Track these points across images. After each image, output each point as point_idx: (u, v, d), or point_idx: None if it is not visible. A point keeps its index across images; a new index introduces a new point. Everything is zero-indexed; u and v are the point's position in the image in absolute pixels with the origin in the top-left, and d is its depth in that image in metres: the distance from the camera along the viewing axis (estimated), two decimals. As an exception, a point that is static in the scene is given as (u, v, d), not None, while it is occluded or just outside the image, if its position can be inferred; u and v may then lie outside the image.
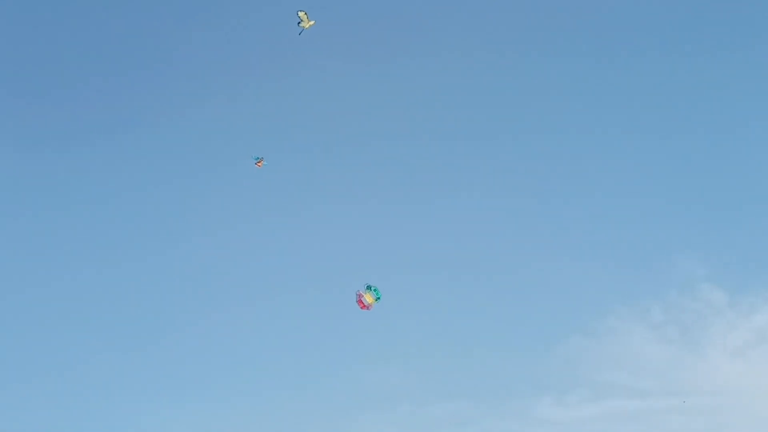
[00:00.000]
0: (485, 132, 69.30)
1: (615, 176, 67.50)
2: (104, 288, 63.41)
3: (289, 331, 61.59)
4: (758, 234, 63.53)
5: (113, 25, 72.55)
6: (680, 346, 60.33)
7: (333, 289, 60.82)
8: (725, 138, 67.82)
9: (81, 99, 71.09)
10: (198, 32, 72.20)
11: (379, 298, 41.13)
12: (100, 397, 58.23)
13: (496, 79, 70.67)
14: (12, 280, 63.21)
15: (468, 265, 63.88)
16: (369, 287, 41.37)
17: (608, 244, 64.84)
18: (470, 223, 65.54)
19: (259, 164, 45.90)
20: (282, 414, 57.69)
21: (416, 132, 69.04)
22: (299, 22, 44.34)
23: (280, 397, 58.89)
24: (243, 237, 65.42)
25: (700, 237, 64.09)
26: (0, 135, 68.42)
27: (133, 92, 71.15)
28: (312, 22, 44.40)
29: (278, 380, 59.82)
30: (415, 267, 63.10)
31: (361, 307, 40.95)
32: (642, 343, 60.69)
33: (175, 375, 59.95)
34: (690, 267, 62.43)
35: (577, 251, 64.63)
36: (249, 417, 57.19)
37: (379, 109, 69.73)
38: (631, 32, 71.45)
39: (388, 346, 59.99)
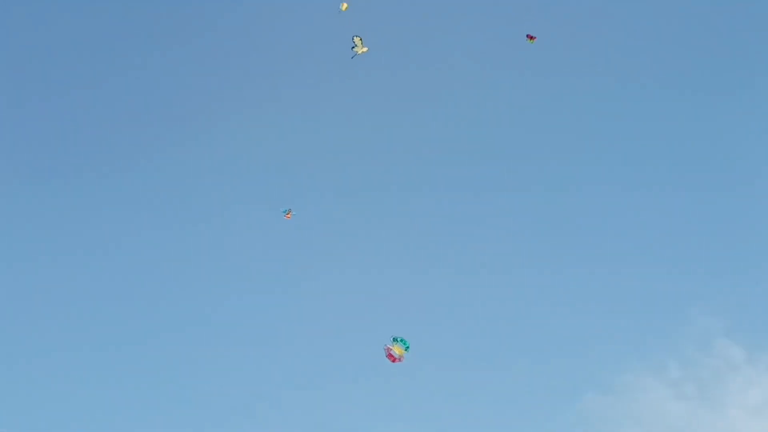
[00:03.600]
0: (498, 180, 69.51)
1: (630, 230, 67.62)
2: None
3: (305, 382, 60.79)
4: (775, 289, 63.14)
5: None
6: (698, 402, 59.86)
7: (340, 342, 61.11)
8: (741, 191, 67.95)
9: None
10: (211, 76, 72.45)
11: (408, 348, 40.37)
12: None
13: (505, 130, 71.19)
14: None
15: (482, 319, 63.61)
16: (395, 339, 40.62)
17: (623, 299, 64.41)
18: (485, 276, 65.24)
19: (288, 216, 45.81)
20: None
21: (430, 181, 69.37)
22: (353, 47, 44.94)
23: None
24: (259, 287, 65.02)
25: (716, 291, 63.76)
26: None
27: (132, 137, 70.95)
28: (365, 49, 44.97)
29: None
30: (427, 321, 62.50)
31: (392, 361, 40.14)
32: (659, 400, 60.25)
33: (188, 409, 59.22)
34: (706, 322, 62.25)
35: (592, 306, 64.14)
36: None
37: (396, 158, 69.97)
38: (645, 85, 72.02)
39: (400, 401, 59.51)
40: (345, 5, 46.26)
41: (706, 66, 72.18)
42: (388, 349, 40.53)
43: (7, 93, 72.27)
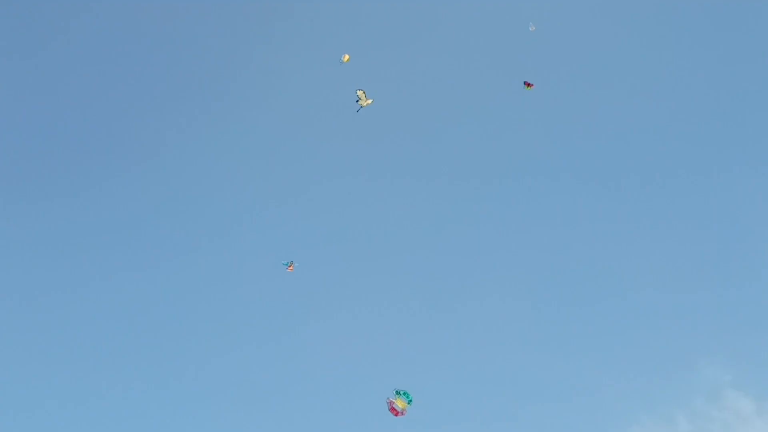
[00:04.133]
0: (503, 234, 69.31)
1: (636, 282, 67.21)
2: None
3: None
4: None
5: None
6: (708, 456, 58.97)
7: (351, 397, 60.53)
8: (748, 243, 67.83)
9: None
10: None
11: (410, 401, 39.88)
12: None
13: (508, 181, 71.40)
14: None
15: (487, 372, 63.01)
16: (398, 392, 40.13)
17: (630, 352, 63.89)
18: (491, 327, 64.91)
19: (290, 268, 45.62)
20: None
21: (436, 232, 69.35)
22: (357, 100, 45.26)
23: None
24: (261, 339, 64.74)
25: (723, 343, 63.30)
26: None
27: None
28: (370, 101, 45.28)
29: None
30: (431, 374, 61.89)
31: (395, 414, 39.61)
32: (668, 454, 59.24)
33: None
34: (715, 374, 61.83)
35: (600, 360, 63.77)
36: None
37: (401, 209, 69.85)
38: (649, 137, 72.28)
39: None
40: (347, 57, 46.38)
41: (712, 119, 72.65)
42: (391, 403, 40.05)
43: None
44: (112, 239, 69.08)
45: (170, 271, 67.85)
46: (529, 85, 52.17)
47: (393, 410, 39.77)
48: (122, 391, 61.93)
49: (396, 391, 40.18)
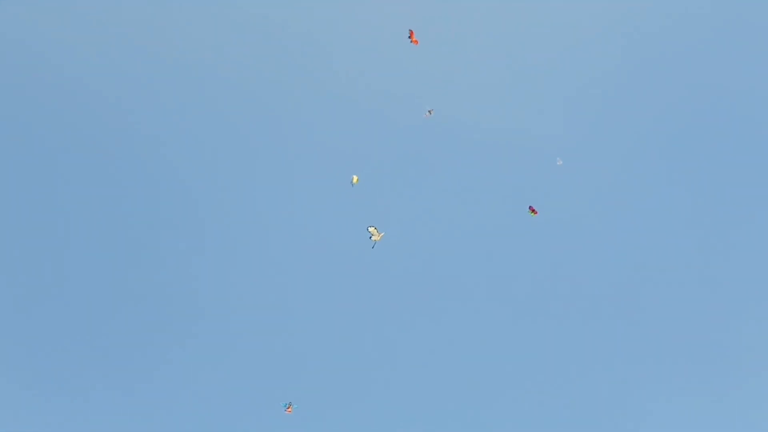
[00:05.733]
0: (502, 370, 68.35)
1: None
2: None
3: None
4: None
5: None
6: None
7: None
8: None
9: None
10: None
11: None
12: None
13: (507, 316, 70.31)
14: None
15: None
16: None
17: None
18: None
19: (289, 410, 45.25)
20: None
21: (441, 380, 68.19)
22: (371, 237, 47.45)
23: None
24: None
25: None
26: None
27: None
28: (382, 234, 47.51)
29: None
30: None
31: None
32: None
33: None
34: None
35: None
36: None
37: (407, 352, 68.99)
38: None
39: None
40: (356, 178, 48.09)
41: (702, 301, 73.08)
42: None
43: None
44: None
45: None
46: (534, 211, 51.55)
47: None
48: None
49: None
